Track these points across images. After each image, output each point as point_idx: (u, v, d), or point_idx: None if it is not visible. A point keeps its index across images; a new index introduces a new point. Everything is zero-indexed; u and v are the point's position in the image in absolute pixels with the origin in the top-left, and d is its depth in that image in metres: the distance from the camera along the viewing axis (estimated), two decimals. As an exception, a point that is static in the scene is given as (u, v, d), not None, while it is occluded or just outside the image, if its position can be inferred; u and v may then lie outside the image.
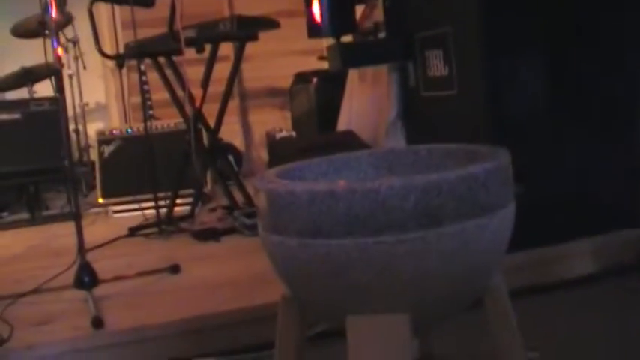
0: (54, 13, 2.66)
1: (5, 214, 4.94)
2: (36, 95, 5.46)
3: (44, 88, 5.75)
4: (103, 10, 5.70)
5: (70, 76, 6.11)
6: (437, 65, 2.93)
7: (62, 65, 2.82)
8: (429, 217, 1.27)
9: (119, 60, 4.18)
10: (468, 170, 1.33)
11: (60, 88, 2.63)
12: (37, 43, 5.36)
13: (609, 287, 2.50)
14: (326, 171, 1.70)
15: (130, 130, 4.75)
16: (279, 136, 5.53)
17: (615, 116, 2.76)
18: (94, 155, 4.96)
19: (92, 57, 5.35)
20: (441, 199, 1.28)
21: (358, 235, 1.28)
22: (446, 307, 1.41)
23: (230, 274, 2.84)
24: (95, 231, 3.96)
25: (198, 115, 3.95)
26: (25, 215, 4.79)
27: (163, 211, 3.88)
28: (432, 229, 1.27)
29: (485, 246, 1.34)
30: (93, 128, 5.65)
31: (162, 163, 4.05)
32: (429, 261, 1.29)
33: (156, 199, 3.79)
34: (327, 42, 3.68)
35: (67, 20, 5.47)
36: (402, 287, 1.31)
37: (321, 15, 3.16)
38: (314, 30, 3.24)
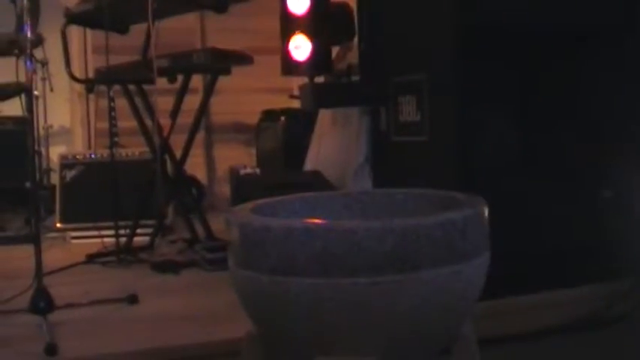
0: (29, 33, 2.63)
1: (-41, 232, 4.83)
2: (1, 114, 5.37)
3: (9, 108, 5.66)
4: (74, 33, 5.65)
5: (37, 98, 6.03)
6: (409, 111, 2.94)
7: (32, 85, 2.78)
8: (404, 261, 1.26)
9: (89, 84, 4.14)
10: (447, 216, 1.33)
11: (30, 107, 2.60)
12: (6, 62, 5.28)
13: (579, 339, 2.50)
14: (299, 209, 1.69)
15: (93, 156, 4.70)
16: (243, 172, 5.48)
17: (586, 170, 2.78)
18: (54, 179, 4.87)
19: (59, 79, 5.29)
20: (417, 244, 1.27)
21: (332, 275, 1.26)
22: (415, 352, 1.40)
23: (189, 308, 2.79)
24: (52, 256, 3.87)
25: (165, 146, 3.92)
26: (-22, 235, 4.69)
27: (123, 239, 3.82)
28: (407, 273, 1.26)
29: (459, 293, 1.34)
30: (55, 151, 5.57)
31: (125, 191, 3.98)
32: (401, 305, 1.28)
33: (116, 228, 3.73)
34: (297, 81, 3.67)
35: (37, 41, 5.40)
36: (372, 329, 1.30)
37: (299, 53, 3.14)
38: (289, 67, 3.22)
